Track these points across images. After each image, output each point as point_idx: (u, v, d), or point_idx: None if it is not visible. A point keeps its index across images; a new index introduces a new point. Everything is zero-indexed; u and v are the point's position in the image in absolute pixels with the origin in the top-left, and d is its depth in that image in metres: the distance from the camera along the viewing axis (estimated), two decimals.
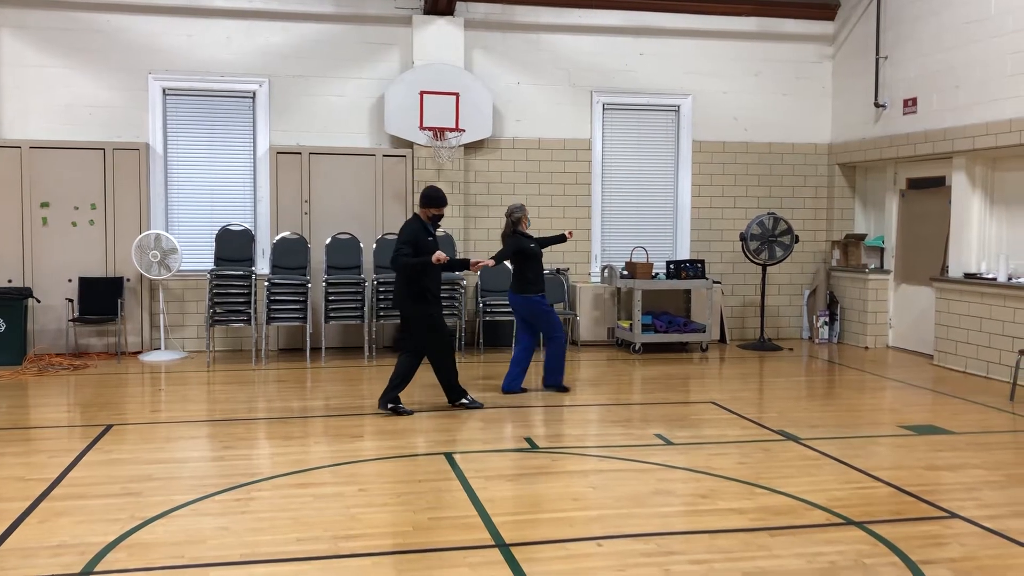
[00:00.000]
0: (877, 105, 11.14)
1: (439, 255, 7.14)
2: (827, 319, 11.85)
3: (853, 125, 11.70)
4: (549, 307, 8.34)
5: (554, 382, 8.38)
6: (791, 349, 11.28)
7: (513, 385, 8.27)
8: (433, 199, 7.46)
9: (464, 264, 7.82)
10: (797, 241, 11.33)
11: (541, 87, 11.40)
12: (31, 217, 10.11)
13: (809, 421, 7.29)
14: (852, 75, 11.72)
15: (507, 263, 8.43)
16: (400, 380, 7.40)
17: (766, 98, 11.99)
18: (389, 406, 7.35)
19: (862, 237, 11.86)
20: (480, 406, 7.61)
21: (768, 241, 11.22)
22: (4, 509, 4.89)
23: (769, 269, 11.54)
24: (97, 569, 4.08)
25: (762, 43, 11.92)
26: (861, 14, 11.55)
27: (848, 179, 12.16)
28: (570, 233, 8.90)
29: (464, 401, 7.61)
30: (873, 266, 11.58)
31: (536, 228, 11.21)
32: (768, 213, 11.34)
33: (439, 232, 10.70)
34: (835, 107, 12.11)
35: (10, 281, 10.04)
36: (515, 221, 8.21)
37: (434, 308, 7.42)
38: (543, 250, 8.48)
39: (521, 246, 8.12)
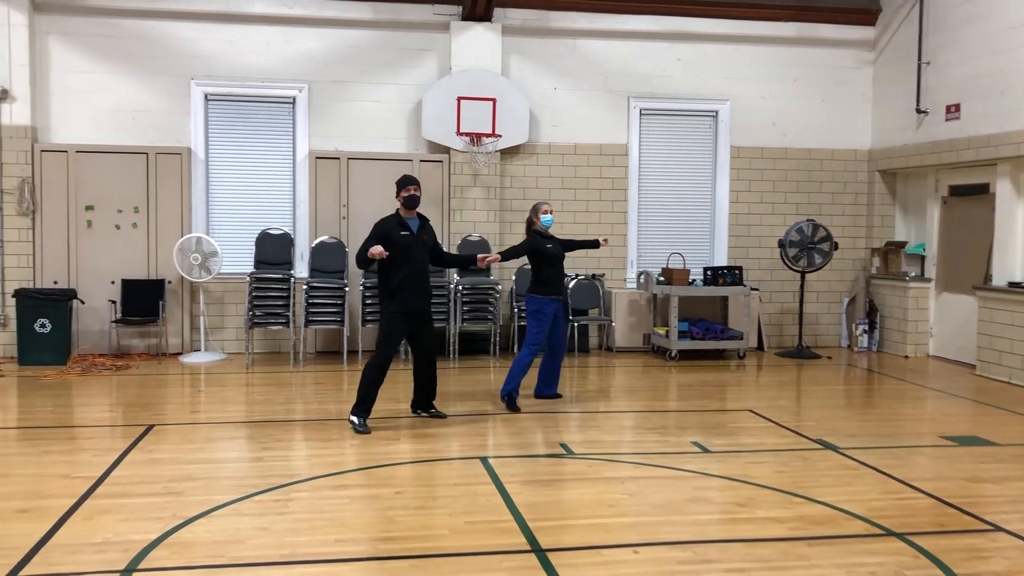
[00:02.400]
0: (919, 111, 10.99)
1: (373, 250, 6.72)
2: (866, 327, 11.70)
3: (894, 131, 11.56)
4: (545, 314, 7.75)
5: (503, 392, 7.83)
6: (829, 357, 11.15)
7: (541, 390, 8.21)
8: (401, 181, 7.15)
9: (471, 260, 7.60)
10: (836, 248, 11.21)
11: (578, 92, 11.41)
12: (76, 220, 10.31)
13: (848, 430, 7.21)
14: (893, 80, 11.58)
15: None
16: (426, 381, 7.36)
17: (805, 104, 11.88)
18: (421, 413, 7.42)
19: (902, 244, 11.70)
20: (365, 431, 6.82)
21: (807, 248, 11.11)
22: (50, 506, 4.99)
23: (808, 276, 11.42)
24: (140, 567, 4.15)
25: (801, 48, 11.83)
26: (903, 19, 11.41)
27: (888, 186, 12.01)
28: (604, 240, 8.60)
29: (352, 419, 6.92)
30: (914, 274, 11.42)
31: (571, 233, 11.22)
32: (807, 220, 11.23)
33: (474, 236, 10.82)
34: (875, 113, 11.98)
35: (56, 283, 10.24)
36: (530, 221, 8.03)
37: (397, 306, 6.94)
38: (569, 253, 8.26)
39: (535, 246, 7.89)
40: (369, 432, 6.83)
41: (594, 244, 8.57)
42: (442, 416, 7.37)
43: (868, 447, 6.63)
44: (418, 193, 7.13)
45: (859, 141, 12.04)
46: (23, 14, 10.08)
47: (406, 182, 7.13)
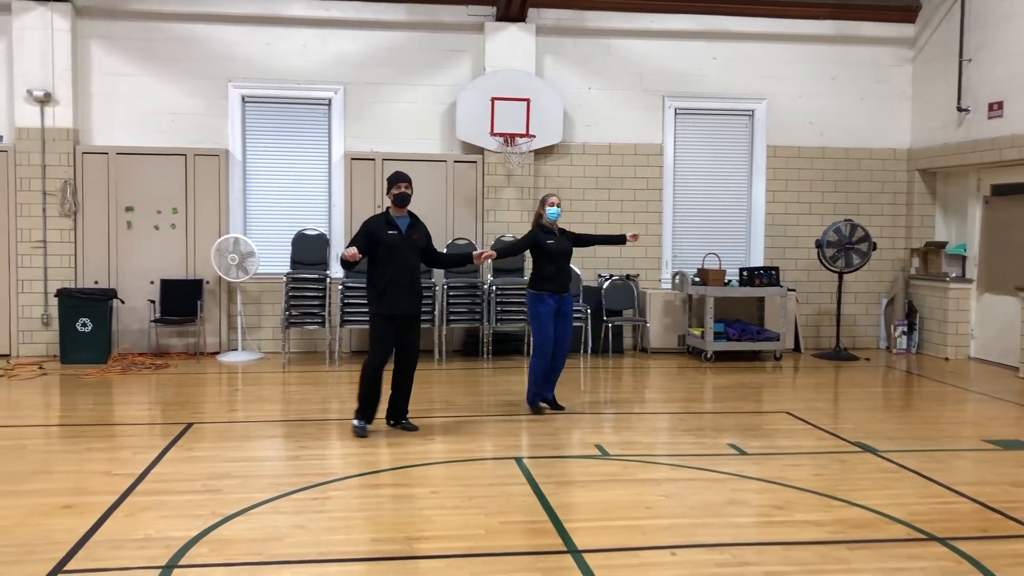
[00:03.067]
0: (960, 109, 10.82)
1: (345, 253, 6.43)
2: (905, 329, 11.53)
3: (934, 130, 11.38)
4: (540, 312, 7.44)
5: (528, 399, 7.66)
6: (867, 359, 11.01)
7: (530, 397, 7.66)
8: (391, 178, 6.79)
9: (467, 258, 7.18)
10: (875, 248, 11.07)
11: (612, 92, 11.37)
12: (117, 221, 10.47)
13: (887, 433, 7.11)
14: (933, 78, 11.40)
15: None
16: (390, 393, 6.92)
17: (843, 102, 11.74)
18: (391, 423, 7.01)
19: (943, 245, 11.52)
20: (362, 435, 6.68)
21: (845, 248, 10.98)
22: (93, 502, 5.07)
23: (845, 277, 11.29)
24: (181, 563, 4.20)
25: (839, 46, 11.69)
26: (944, 16, 11.23)
27: (928, 185, 11.83)
28: (633, 236, 7.97)
29: (354, 422, 6.78)
30: (954, 275, 11.24)
31: (606, 233, 11.20)
32: (845, 220, 11.10)
33: (508, 237, 10.80)
34: (915, 111, 11.80)
35: (96, 283, 10.41)
36: (537, 214, 7.68)
37: (382, 308, 6.67)
38: (596, 248, 7.93)
39: (536, 240, 7.51)
40: (366, 435, 6.65)
41: (621, 240, 8.04)
42: (413, 428, 6.91)
43: (908, 450, 6.53)
44: (409, 191, 6.77)
45: (898, 140, 11.87)
46: (66, 19, 10.26)
47: (396, 179, 6.76)
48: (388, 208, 6.83)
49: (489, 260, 7.22)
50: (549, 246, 7.47)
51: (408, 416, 7.04)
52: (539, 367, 7.55)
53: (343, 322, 10.29)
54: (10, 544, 4.43)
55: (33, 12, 10.19)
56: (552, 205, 7.54)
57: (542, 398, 7.68)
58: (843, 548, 4.53)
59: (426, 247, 6.97)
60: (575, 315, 10.75)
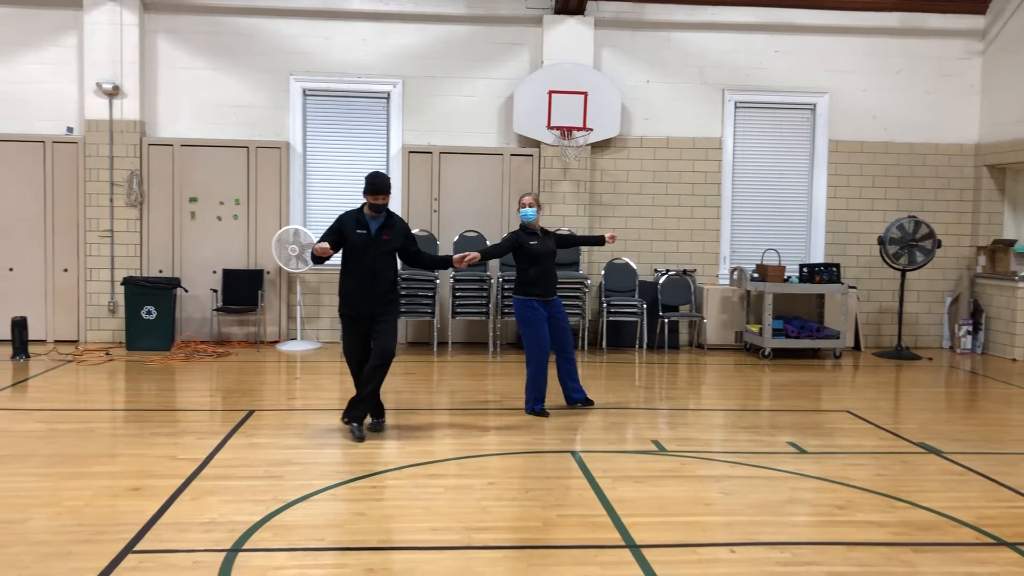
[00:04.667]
0: None
1: (316, 247, 6.20)
2: (970, 328, 11.25)
3: (1004, 124, 11.06)
4: (530, 318, 7.10)
5: (526, 409, 7.32)
6: (930, 359, 10.76)
7: (528, 408, 7.29)
8: (368, 184, 6.38)
9: (447, 262, 6.91)
10: (939, 246, 10.81)
11: (671, 85, 11.27)
12: (181, 211, 10.70)
13: (951, 434, 6.95)
14: (1004, 71, 11.08)
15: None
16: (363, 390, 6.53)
17: (908, 96, 11.48)
18: (346, 420, 6.64)
19: (1012, 243, 11.20)
20: (360, 438, 6.37)
21: (908, 245, 10.74)
22: (159, 486, 5.20)
23: (908, 275, 11.05)
24: (245, 547, 4.29)
25: (904, 39, 11.43)
26: (1016, 7, 10.91)
27: (997, 181, 11.51)
28: (612, 236, 7.59)
29: (353, 423, 6.52)
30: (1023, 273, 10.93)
31: (663, 228, 11.18)
32: (909, 216, 10.86)
33: (564, 230, 10.78)
34: (984, 106, 11.48)
35: (161, 271, 10.65)
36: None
37: (341, 307, 6.51)
38: (571, 248, 7.42)
39: (518, 240, 7.13)
40: (361, 438, 6.38)
41: (600, 241, 7.67)
42: (378, 429, 6.62)
43: (975, 452, 6.38)
44: (385, 202, 6.44)
45: (965, 135, 11.57)
46: (134, 14, 10.50)
47: (377, 188, 6.35)
48: (364, 205, 6.47)
49: (473, 262, 6.72)
50: (532, 247, 7.09)
51: (381, 417, 6.74)
52: (538, 376, 7.19)
53: (400, 313, 10.39)
54: (82, 524, 4.56)
55: (103, 7, 10.44)
56: (526, 206, 7.16)
57: (575, 399, 7.47)
58: (908, 551, 4.44)
59: (404, 247, 6.59)
60: (631, 310, 10.74)
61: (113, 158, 10.55)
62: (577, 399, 7.51)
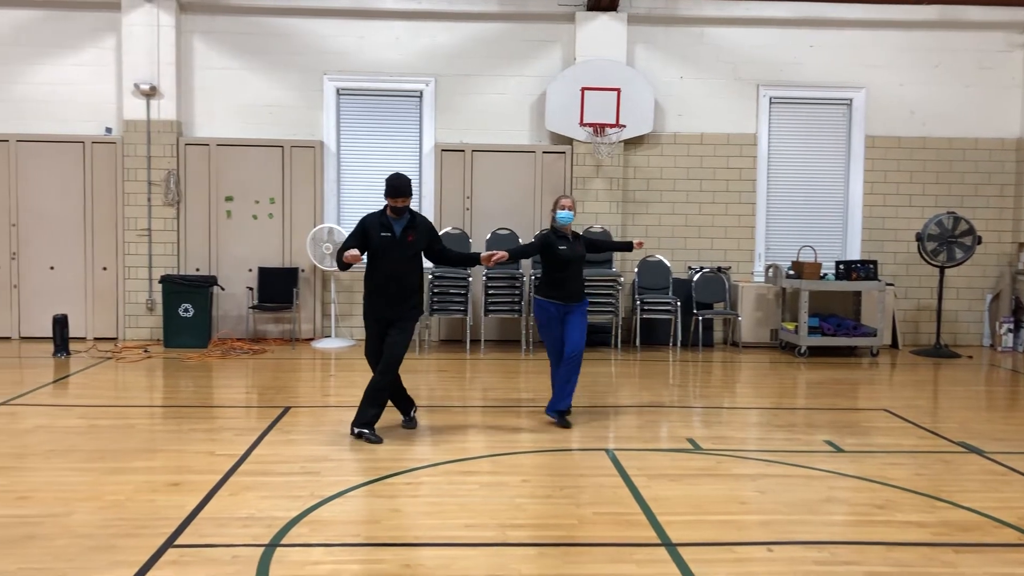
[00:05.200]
0: None
1: (347, 255, 6.13)
2: (1011, 326, 11.06)
3: None
4: (541, 320, 6.93)
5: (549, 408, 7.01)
6: (970, 357, 10.60)
7: (553, 404, 6.96)
8: (388, 187, 6.28)
9: (475, 259, 6.73)
10: (979, 242, 10.64)
11: (704, 81, 11.20)
12: (217, 210, 10.82)
13: (993, 434, 6.83)
14: None
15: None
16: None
17: (947, 90, 11.31)
18: (355, 432, 6.41)
19: None
20: (378, 440, 6.26)
21: (947, 242, 10.58)
22: (198, 481, 5.27)
23: (947, 272, 10.89)
24: (283, 542, 4.33)
25: (943, 32, 11.26)
26: None
27: None
28: (639, 243, 7.46)
29: (364, 431, 6.34)
30: None
31: (697, 225, 11.10)
32: (947, 212, 10.70)
33: (596, 227, 10.76)
34: None
35: (198, 270, 10.79)
36: (552, 217, 7.06)
37: (366, 309, 6.41)
38: (601, 254, 7.17)
39: (548, 242, 6.90)
40: (379, 441, 6.29)
41: (627, 247, 7.50)
42: (375, 440, 6.31)
43: (1017, 452, 6.27)
44: (406, 205, 6.34)
45: (1007, 129, 11.37)
46: (171, 15, 10.63)
47: (398, 192, 6.26)
48: (386, 207, 6.37)
49: (501, 261, 6.54)
50: (561, 252, 6.84)
51: (412, 412, 6.76)
52: (552, 378, 7.05)
53: (432, 311, 10.44)
54: (123, 518, 4.63)
55: (141, 9, 10.58)
56: (565, 208, 6.91)
57: (552, 407, 6.94)
58: (949, 551, 4.37)
59: (430, 246, 6.52)
60: (664, 308, 10.68)
61: (151, 158, 10.69)
62: (557, 409, 6.88)
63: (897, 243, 11.33)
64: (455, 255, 6.78)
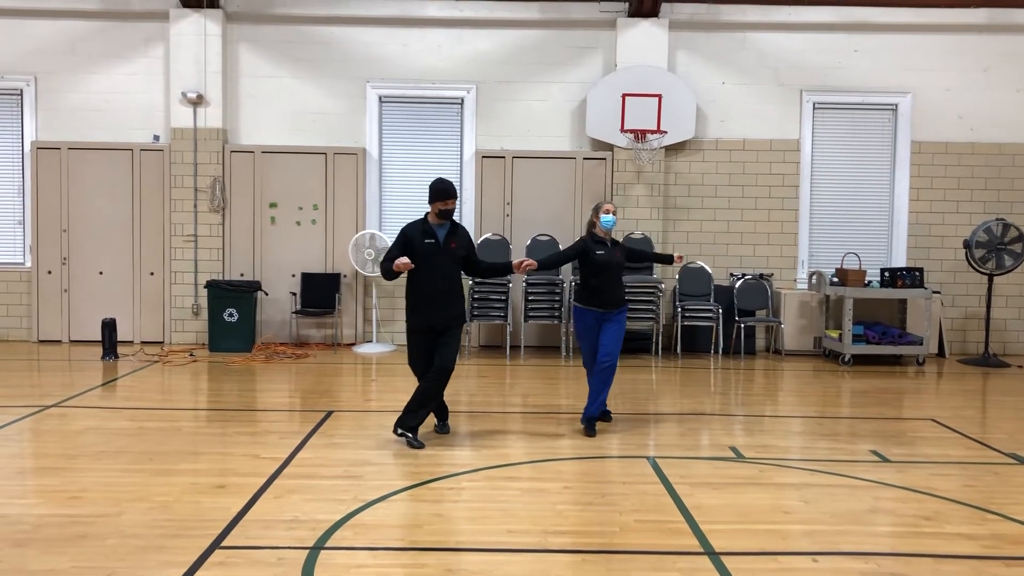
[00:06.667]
0: None
1: (399, 263, 6.11)
2: None
3: None
4: (580, 327, 6.89)
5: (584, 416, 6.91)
6: (1020, 367, 10.38)
7: (588, 410, 6.84)
8: (435, 191, 6.26)
9: (508, 268, 6.66)
10: None
11: (747, 87, 11.12)
12: (261, 216, 10.98)
13: None
14: None
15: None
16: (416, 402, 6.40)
17: (996, 95, 11.11)
18: (399, 432, 6.41)
19: None
20: (420, 446, 6.28)
21: (996, 249, 10.39)
22: (244, 483, 5.34)
23: (996, 279, 10.68)
24: (327, 545, 4.37)
25: (992, 35, 11.07)
26: None
27: None
28: (680, 257, 7.40)
29: (407, 434, 6.36)
30: None
31: (739, 231, 11.04)
32: (996, 219, 10.50)
33: (637, 234, 10.73)
34: None
35: (242, 275, 10.95)
36: (591, 222, 6.97)
37: (414, 320, 6.35)
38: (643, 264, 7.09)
39: (585, 248, 6.80)
40: (422, 446, 6.32)
41: (668, 259, 7.41)
42: (417, 445, 6.31)
43: None
44: (454, 207, 6.34)
45: None
46: (217, 24, 10.82)
47: (444, 194, 6.26)
48: (427, 215, 6.37)
49: (529, 269, 6.53)
50: (598, 257, 6.75)
51: (445, 420, 6.78)
52: (589, 387, 6.92)
53: (472, 317, 10.49)
54: (171, 519, 4.71)
55: (188, 19, 10.79)
56: (607, 212, 6.83)
57: (585, 415, 6.84)
58: (1000, 564, 4.29)
59: (467, 256, 6.49)
60: (706, 315, 10.61)
61: (197, 165, 10.88)
62: (588, 415, 6.81)
63: (944, 250, 11.15)
64: (486, 266, 6.80)
